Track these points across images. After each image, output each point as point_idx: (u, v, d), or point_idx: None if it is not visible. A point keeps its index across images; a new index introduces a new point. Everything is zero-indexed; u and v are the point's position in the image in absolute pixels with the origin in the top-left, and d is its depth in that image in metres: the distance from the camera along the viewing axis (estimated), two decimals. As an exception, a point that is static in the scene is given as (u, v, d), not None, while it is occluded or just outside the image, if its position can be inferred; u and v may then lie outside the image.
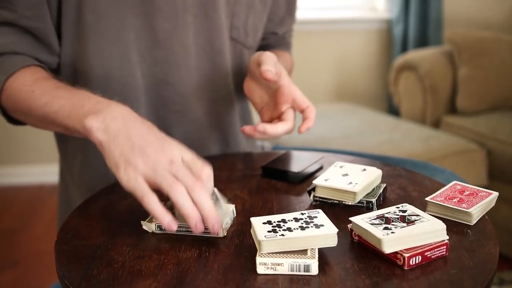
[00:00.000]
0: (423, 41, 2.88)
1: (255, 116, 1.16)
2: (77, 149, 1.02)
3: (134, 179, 0.70)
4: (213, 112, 1.06)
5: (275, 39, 1.20)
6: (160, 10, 0.94)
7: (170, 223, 0.69)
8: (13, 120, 0.95)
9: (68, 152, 1.05)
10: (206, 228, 0.72)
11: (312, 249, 0.65)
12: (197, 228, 0.69)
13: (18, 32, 0.91)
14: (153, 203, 0.69)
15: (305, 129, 0.87)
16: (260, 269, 0.64)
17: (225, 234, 0.73)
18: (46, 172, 2.91)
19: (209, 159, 1.01)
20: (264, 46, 1.18)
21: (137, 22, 0.94)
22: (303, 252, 0.65)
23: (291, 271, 0.63)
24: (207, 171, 0.73)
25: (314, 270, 0.63)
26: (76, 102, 0.80)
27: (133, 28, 0.94)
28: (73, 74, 0.96)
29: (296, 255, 0.64)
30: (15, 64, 0.88)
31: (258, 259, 0.64)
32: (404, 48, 2.91)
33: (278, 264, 0.63)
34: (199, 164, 0.73)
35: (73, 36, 0.94)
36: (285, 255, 0.64)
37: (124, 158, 0.71)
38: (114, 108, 0.77)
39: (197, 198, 0.69)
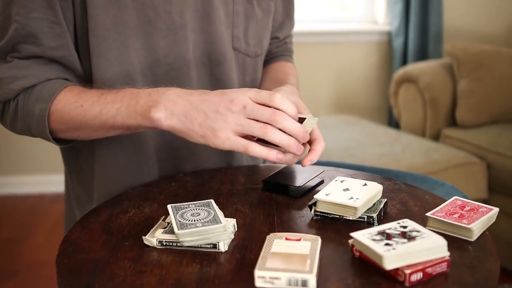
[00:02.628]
0: (423, 54, 2.89)
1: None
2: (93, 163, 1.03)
3: (227, 139, 0.79)
4: None
5: (276, 45, 1.22)
6: (159, 29, 0.96)
7: (278, 155, 0.80)
8: (60, 141, 0.97)
9: (84, 168, 1.06)
10: (207, 244, 0.72)
11: (311, 263, 0.65)
12: (298, 150, 0.81)
13: (46, 62, 0.93)
14: (257, 149, 0.79)
15: (308, 162, 0.86)
16: (258, 282, 0.64)
17: (227, 249, 0.73)
18: (47, 181, 2.91)
19: (211, 172, 1.02)
20: (267, 53, 1.20)
21: (137, 43, 0.95)
22: (302, 266, 0.65)
23: (289, 285, 0.64)
24: (275, 97, 0.79)
25: (312, 285, 0.63)
26: (129, 101, 0.85)
27: (134, 48, 0.95)
28: None
29: (294, 270, 0.64)
30: (53, 90, 0.91)
31: (257, 272, 0.64)
32: (404, 61, 2.92)
33: (276, 278, 0.64)
34: (265, 95, 0.80)
35: (85, 60, 0.96)
36: (283, 269, 0.64)
37: (206, 127, 0.79)
38: (167, 93, 0.82)
39: (282, 127, 0.79)
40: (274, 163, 0.83)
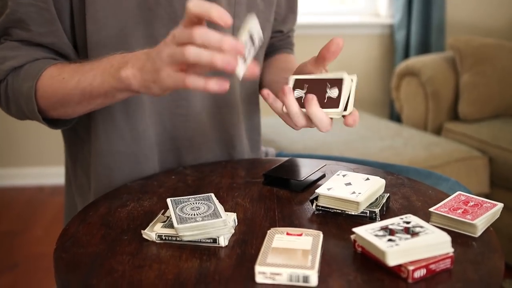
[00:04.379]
0: (425, 47, 2.87)
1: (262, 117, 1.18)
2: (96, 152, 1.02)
3: (168, 77, 0.71)
4: (218, 115, 1.06)
5: (280, 38, 1.21)
6: (160, 17, 0.94)
7: (219, 83, 0.70)
8: (53, 123, 0.95)
9: (87, 157, 1.05)
10: (207, 239, 0.71)
11: (313, 259, 0.64)
12: (225, 63, 0.67)
13: (35, 46, 0.93)
14: (194, 80, 0.70)
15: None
16: (259, 278, 0.63)
17: (227, 244, 0.72)
18: (46, 173, 2.90)
19: (211, 165, 1.01)
20: (269, 46, 1.19)
21: (137, 31, 0.94)
22: (303, 262, 0.64)
23: (290, 281, 0.63)
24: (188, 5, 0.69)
25: (313, 281, 0.62)
26: (105, 66, 0.82)
27: (134, 37, 0.94)
28: None
29: (295, 265, 0.63)
30: (40, 67, 0.90)
31: (257, 268, 0.63)
32: (406, 54, 2.90)
33: (277, 274, 0.63)
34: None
35: (82, 48, 0.95)
36: (284, 265, 0.63)
37: (153, 71, 0.73)
38: (137, 53, 0.78)
39: (201, 42, 0.67)
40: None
